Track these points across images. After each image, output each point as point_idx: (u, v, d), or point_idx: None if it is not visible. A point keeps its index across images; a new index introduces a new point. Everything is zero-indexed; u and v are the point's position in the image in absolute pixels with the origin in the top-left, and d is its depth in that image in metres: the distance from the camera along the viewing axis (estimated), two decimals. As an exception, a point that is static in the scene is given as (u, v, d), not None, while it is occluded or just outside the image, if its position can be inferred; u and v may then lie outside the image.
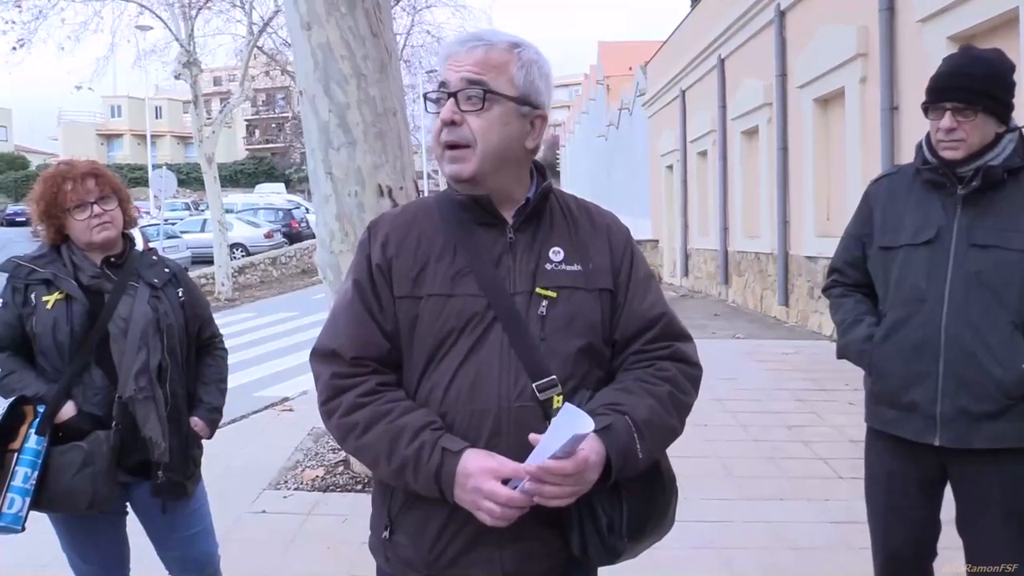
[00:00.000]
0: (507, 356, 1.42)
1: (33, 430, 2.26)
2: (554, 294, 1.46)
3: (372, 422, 1.41)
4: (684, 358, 1.53)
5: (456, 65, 1.45)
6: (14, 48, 17.20)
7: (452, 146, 1.45)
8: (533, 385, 1.41)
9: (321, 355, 1.50)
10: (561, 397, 1.42)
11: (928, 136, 2.26)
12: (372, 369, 1.46)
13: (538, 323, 1.44)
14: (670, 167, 17.82)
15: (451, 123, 1.43)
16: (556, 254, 1.50)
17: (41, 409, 2.28)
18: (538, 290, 1.46)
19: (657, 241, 18.95)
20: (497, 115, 1.44)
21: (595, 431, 1.33)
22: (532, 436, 1.35)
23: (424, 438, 1.38)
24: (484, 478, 1.33)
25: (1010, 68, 2.18)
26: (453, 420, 1.41)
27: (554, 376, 1.42)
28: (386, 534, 1.51)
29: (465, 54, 1.45)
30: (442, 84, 1.46)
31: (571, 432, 1.27)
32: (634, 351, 1.51)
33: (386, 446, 1.39)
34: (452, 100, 1.43)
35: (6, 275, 2.40)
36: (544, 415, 1.41)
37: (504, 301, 1.44)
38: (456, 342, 1.43)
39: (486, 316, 1.43)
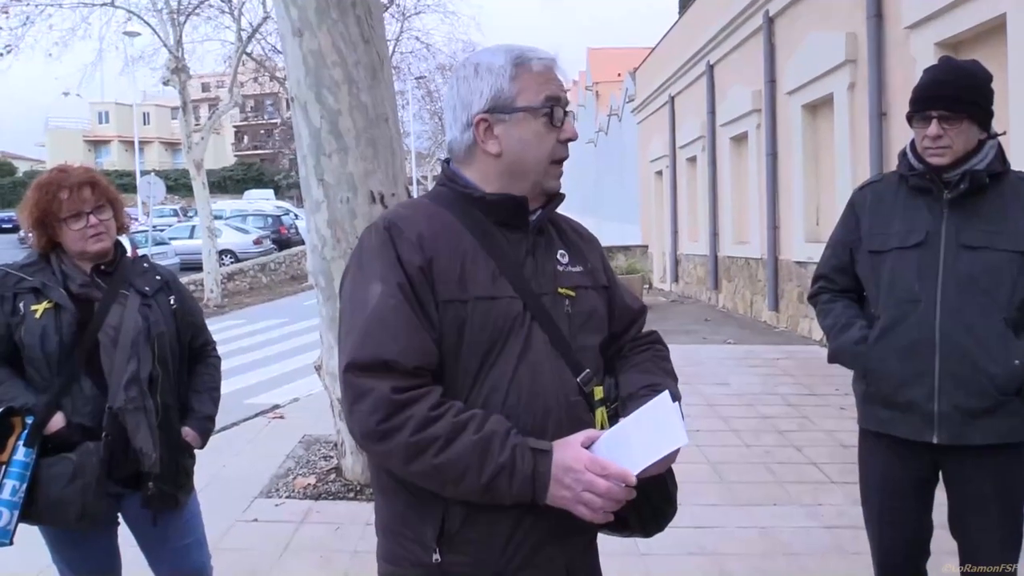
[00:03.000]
0: (552, 354, 1.46)
1: (21, 442, 2.22)
2: (573, 293, 1.53)
3: (454, 434, 1.33)
4: (663, 341, 1.74)
5: (561, 86, 1.51)
6: (1, 54, 17.12)
7: (562, 162, 1.52)
8: (577, 379, 1.48)
9: (368, 367, 1.36)
10: (601, 388, 1.51)
11: (912, 143, 2.33)
12: (430, 379, 1.38)
13: (566, 321, 1.50)
14: (659, 173, 17.87)
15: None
16: (563, 257, 1.57)
17: (30, 420, 2.25)
18: (560, 290, 1.52)
19: (646, 247, 18.99)
20: None
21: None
22: (623, 421, 1.43)
23: (514, 442, 1.34)
24: (583, 471, 1.34)
25: (989, 78, 2.26)
26: (516, 421, 1.39)
27: (589, 370, 1.50)
28: (436, 557, 1.41)
29: (562, 76, 1.52)
30: (555, 100, 1.48)
31: (669, 446, 1.36)
32: (629, 339, 1.68)
33: (477, 457, 1.32)
34: (568, 119, 1.51)
35: None
36: (589, 407, 1.48)
37: (536, 301, 1.47)
38: (506, 344, 1.42)
39: (525, 317, 1.45)
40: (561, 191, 1.58)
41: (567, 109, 1.51)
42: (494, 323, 1.42)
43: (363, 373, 1.36)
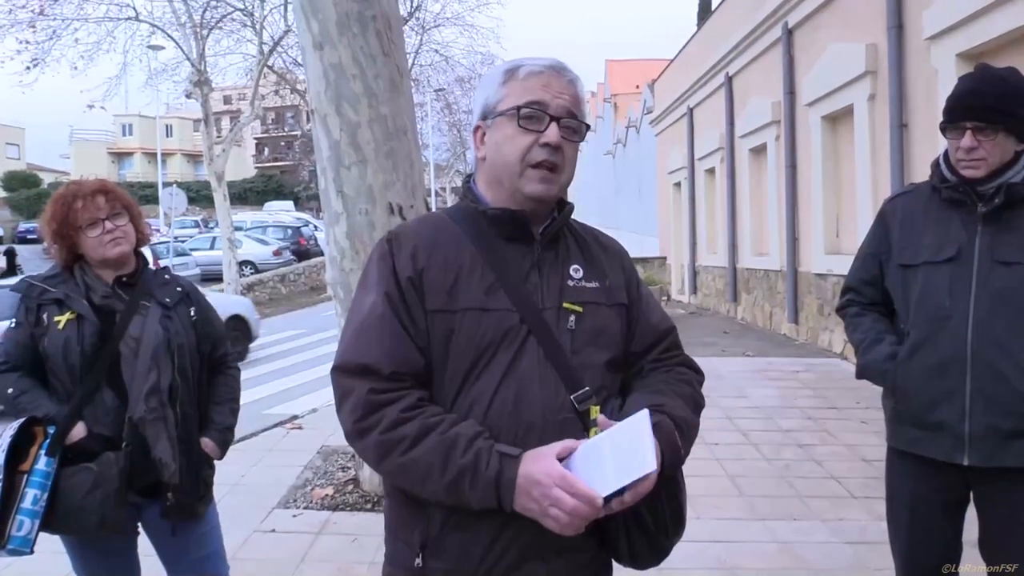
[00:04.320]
0: (544, 369, 1.44)
1: (43, 451, 2.25)
2: (580, 309, 1.51)
3: (421, 435, 1.36)
4: (693, 365, 1.65)
5: (555, 92, 1.49)
6: (28, 68, 17.38)
7: (551, 167, 1.49)
8: (571, 397, 1.44)
9: (351, 371, 1.42)
10: (598, 408, 1.46)
11: (946, 154, 2.25)
12: (410, 384, 1.41)
13: (568, 337, 1.48)
14: (678, 185, 17.83)
15: (556, 147, 1.48)
16: (576, 271, 1.54)
17: (51, 430, 2.27)
18: (565, 305, 1.50)
19: (665, 258, 18.94)
20: (578, 147, 1.54)
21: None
22: (597, 434, 1.38)
23: (480, 445, 1.34)
24: (551, 487, 1.30)
25: None
26: (498, 434, 1.39)
27: (588, 388, 1.46)
28: (418, 562, 1.44)
29: (562, 84, 1.50)
30: (536, 104, 1.47)
31: (638, 472, 1.31)
32: (651, 360, 1.61)
33: (440, 458, 1.34)
34: (556, 125, 1.48)
35: (19, 295, 2.41)
36: (583, 426, 1.44)
37: (535, 316, 1.45)
38: (494, 356, 1.43)
39: (521, 330, 1.44)
40: (571, 204, 1.57)
41: (549, 113, 1.46)
42: (482, 335, 1.43)
43: (346, 375, 1.44)
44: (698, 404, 1.59)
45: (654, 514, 1.46)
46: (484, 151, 1.53)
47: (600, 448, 1.35)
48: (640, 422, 1.35)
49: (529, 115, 1.46)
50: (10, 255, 17.78)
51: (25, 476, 2.22)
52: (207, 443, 2.50)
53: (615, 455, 1.33)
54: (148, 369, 2.31)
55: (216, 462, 2.58)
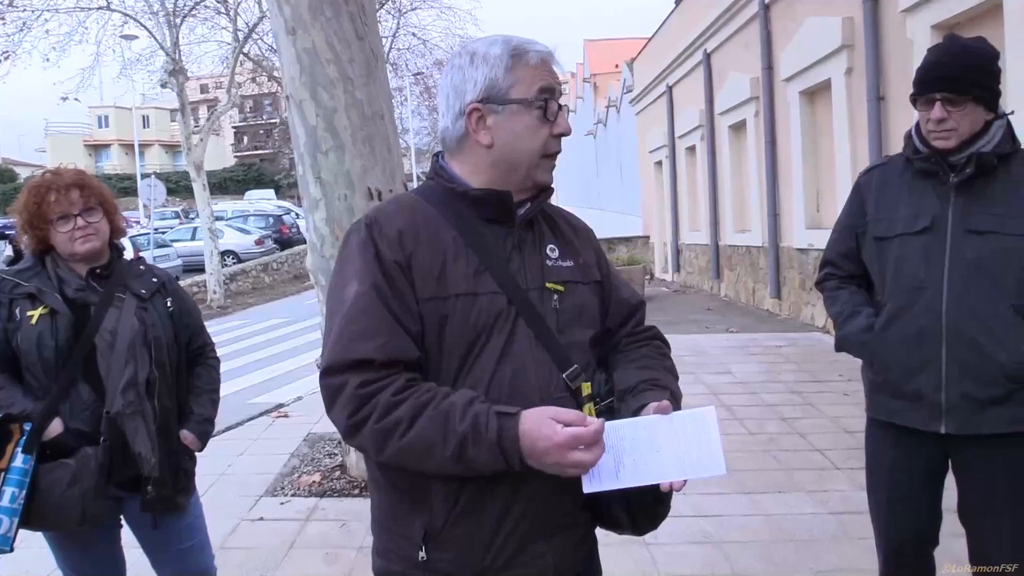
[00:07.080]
0: (536, 350, 1.44)
1: (20, 449, 2.22)
2: (562, 288, 1.51)
3: (416, 414, 1.33)
4: (662, 337, 1.70)
5: (556, 78, 1.48)
6: (-2, 61, 17.11)
7: (555, 156, 1.51)
8: (563, 376, 1.46)
9: (341, 369, 1.37)
10: (589, 384, 1.48)
11: (917, 126, 2.26)
12: (401, 370, 1.38)
13: (553, 316, 1.49)
14: (659, 163, 17.83)
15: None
16: (553, 251, 1.55)
17: (28, 427, 2.24)
18: (547, 285, 1.50)
19: (648, 237, 18.96)
20: None
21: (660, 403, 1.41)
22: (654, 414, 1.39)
23: (476, 410, 1.32)
24: (546, 423, 1.29)
25: (995, 56, 2.18)
26: None
27: (577, 365, 1.47)
28: (422, 555, 1.42)
29: (557, 69, 1.50)
30: (550, 91, 1.46)
31: (706, 471, 1.36)
32: (626, 334, 1.65)
33: (439, 431, 1.31)
34: (562, 112, 1.48)
35: None
36: (577, 404, 1.45)
37: (522, 297, 1.45)
38: (488, 341, 1.42)
39: (510, 313, 1.44)
40: (551, 185, 1.56)
41: (561, 103, 1.49)
42: (475, 319, 1.41)
43: (336, 373, 1.38)
44: (676, 375, 1.62)
45: (653, 489, 1.45)
46: (489, 137, 1.46)
47: (655, 431, 1.37)
48: (707, 419, 1.38)
49: (547, 105, 1.46)
50: (15, 243, 17.80)
51: (2, 474, 2.20)
52: (187, 435, 2.47)
53: (675, 444, 1.36)
54: (125, 362, 2.28)
55: (202, 452, 2.55)
